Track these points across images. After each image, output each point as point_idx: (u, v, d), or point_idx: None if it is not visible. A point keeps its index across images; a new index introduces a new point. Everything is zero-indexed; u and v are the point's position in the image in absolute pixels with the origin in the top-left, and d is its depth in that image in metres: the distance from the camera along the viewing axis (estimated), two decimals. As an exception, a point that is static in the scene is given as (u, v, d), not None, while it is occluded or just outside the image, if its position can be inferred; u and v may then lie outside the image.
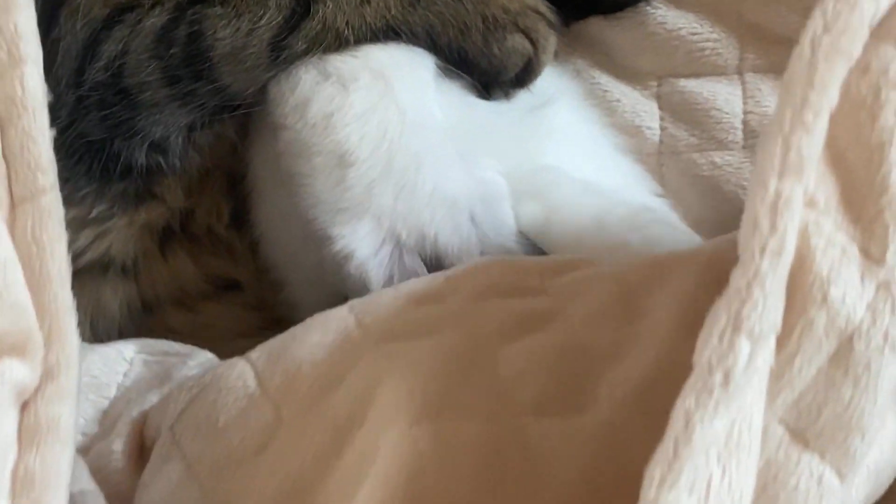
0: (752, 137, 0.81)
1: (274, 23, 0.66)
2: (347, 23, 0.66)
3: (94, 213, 0.73)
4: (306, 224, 0.66)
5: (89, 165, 0.71)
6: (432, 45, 0.67)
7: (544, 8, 0.72)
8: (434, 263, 0.63)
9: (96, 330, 0.74)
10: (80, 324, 0.71)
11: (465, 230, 0.63)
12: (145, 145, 0.71)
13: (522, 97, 0.74)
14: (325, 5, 0.66)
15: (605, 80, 0.84)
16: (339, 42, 0.66)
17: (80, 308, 0.71)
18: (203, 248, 0.77)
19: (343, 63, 0.66)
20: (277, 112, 0.66)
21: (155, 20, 0.68)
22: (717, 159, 0.82)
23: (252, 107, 0.69)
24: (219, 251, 0.78)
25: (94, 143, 0.70)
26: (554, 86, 0.79)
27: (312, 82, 0.66)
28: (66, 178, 0.70)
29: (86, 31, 0.69)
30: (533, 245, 0.64)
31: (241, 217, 0.77)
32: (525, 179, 0.69)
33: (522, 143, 0.72)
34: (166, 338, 0.74)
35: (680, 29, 0.81)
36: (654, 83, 0.83)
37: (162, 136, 0.70)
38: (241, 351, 0.76)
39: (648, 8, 0.81)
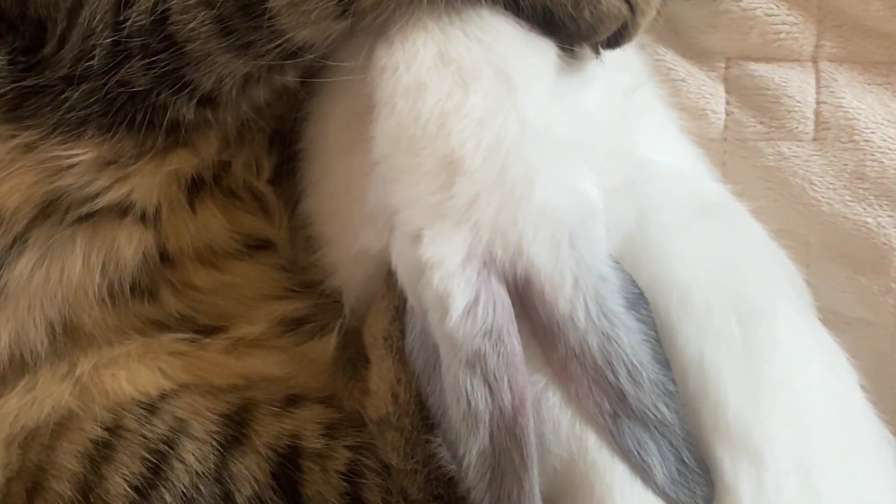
0: (824, 129, 0.77)
1: None
2: None
3: (120, 156, 0.68)
4: (382, 204, 0.61)
5: (131, 118, 0.66)
6: (514, 5, 0.61)
7: None
8: (520, 287, 0.58)
9: (107, 272, 0.70)
10: (90, 265, 0.69)
11: (563, 252, 0.58)
12: (194, 99, 0.65)
13: (621, 77, 0.69)
14: None
15: (671, 58, 0.80)
16: None
17: (93, 250, 0.69)
18: (237, 203, 0.74)
19: (467, 51, 0.60)
20: (384, 84, 0.61)
21: None
22: (785, 150, 0.78)
23: (322, 57, 0.63)
24: (253, 208, 0.74)
25: (138, 93, 0.65)
26: (642, 64, 0.75)
27: (430, 64, 0.60)
28: (105, 128, 0.67)
29: None
30: (623, 271, 0.60)
31: (281, 173, 0.74)
32: (621, 175, 0.64)
33: (621, 136, 0.68)
34: (186, 294, 0.72)
35: (755, 9, 0.77)
36: (723, 65, 0.79)
37: (213, 87, 0.65)
38: (269, 313, 0.74)
39: (723, -17, 0.77)
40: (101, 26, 0.64)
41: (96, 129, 0.66)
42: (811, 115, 0.78)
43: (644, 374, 0.57)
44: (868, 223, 0.76)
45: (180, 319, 0.72)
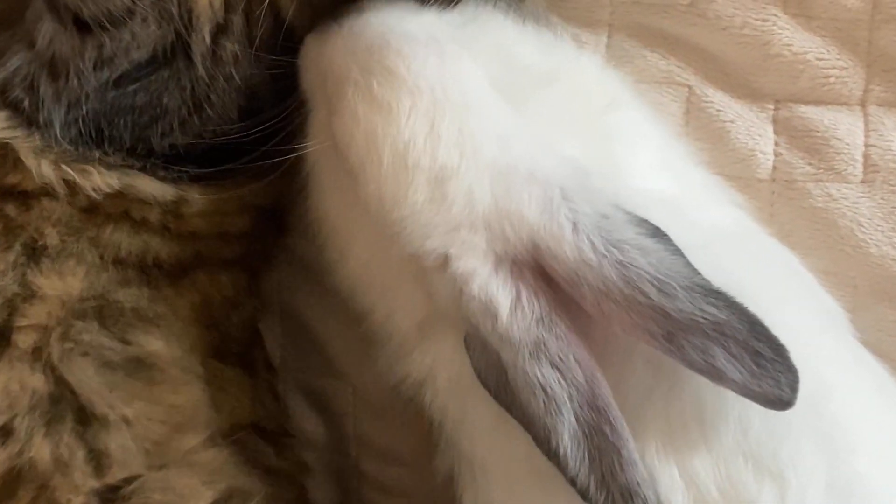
0: (873, 171, 0.78)
1: None
2: None
3: None
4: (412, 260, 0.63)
5: None
6: None
7: None
8: (535, 258, 0.59)
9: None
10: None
11: (555, 205, 0.59)
12: None
13: (590, 97, 0.70)
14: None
15: (720, 99, 0.80)
16: None
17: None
18: None
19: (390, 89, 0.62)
20: (349, 157, 0.64)
21: (13, 61, 0.69)
22: (834, 191, 0.78)
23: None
24: None
25: None
26: (618, 88, 0.74)
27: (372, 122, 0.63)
28: None
29: None
30: (632, 213, 0.60)
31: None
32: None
33: (593, 146, 0.68)
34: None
35: (806, 53, 0.77)
36: (772, 106, 0.79)
37: None
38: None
39: (775, 28, 0.77)
40: None
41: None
42: (860, 158, 0.78)
43: (674, 284, 0.56)
44: (916, 266, 0.76)
45: None
